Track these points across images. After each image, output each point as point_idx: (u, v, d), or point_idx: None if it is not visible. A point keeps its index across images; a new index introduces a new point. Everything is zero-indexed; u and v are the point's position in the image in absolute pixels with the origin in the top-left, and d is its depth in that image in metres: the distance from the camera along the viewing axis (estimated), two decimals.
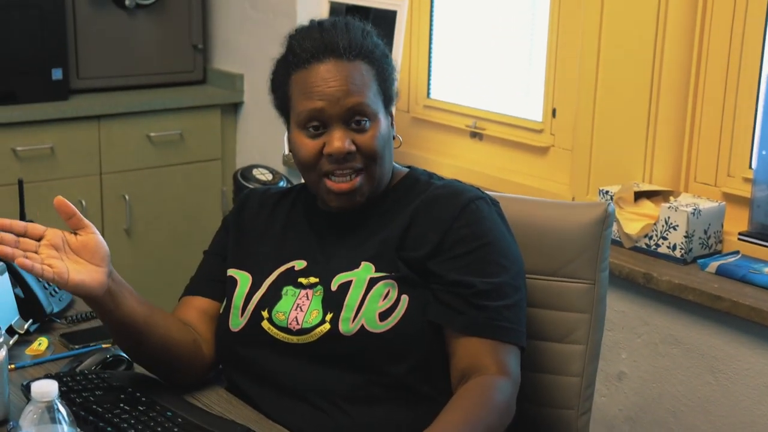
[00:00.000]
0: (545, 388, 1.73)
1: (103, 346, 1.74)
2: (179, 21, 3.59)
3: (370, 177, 1.56)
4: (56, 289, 1.90)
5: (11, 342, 1.72)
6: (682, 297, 2.19)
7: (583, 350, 1.71)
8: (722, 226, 2.32)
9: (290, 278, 1.59)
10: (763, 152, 2.23)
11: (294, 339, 1.53)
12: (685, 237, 2.26)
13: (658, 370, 2.34)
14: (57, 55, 3.26)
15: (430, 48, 3.18)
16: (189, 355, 1.58)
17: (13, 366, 1.65)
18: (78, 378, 1.54)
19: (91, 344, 1.76)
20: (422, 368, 1.52)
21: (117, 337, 1.56)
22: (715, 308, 2.14)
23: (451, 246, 1.53)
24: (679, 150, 2.44)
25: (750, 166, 2.32)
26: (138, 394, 1.49)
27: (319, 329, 1.52)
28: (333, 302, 1.53)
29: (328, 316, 1.52)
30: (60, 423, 1.19)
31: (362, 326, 1.50)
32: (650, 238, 2.33)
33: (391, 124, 1.62)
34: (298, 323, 1.53)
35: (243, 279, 1.62)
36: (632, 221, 2.36)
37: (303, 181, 1.65)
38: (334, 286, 1.54)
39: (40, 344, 1.75)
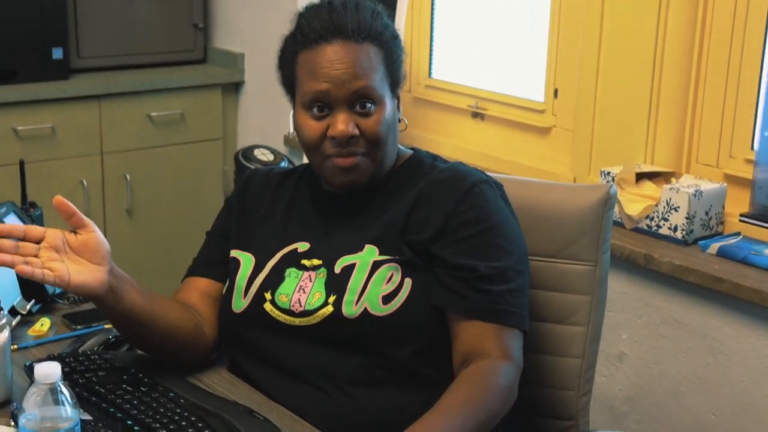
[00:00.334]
0: (546, 370, 1.73)
1: (106, 326, 1.74)
2: (180, 0, 3.58)
3: (372, 160, 1.56)
4: None
5: (14, 323, 1.72)
6: (683, 278, 2.20)
7: (584, 332, 1.71)
8: (723, 207, 2.32)
9: (293, 260, 1.59)
10: (766, 133, 2.23)
11: (296, 321, 1.53)
12: (687, 218, 2.26)
13: (659, 351, 2.34)
14: (57, 35, 3.25)
15: (431, 27, 3.17)
16: (191, 340, 1.58)
17: (15, 347, 1.65)
18: (81, 359, 1.54)
19: (94, 325, 1.76)
20: (425, 352, 1.52)
21: (120, 329, 1.56)
22: (715, 290, 2.14)
23: (454, 229, 1.52)
24: (681, 131, 2.44)
25: (752, 148, 2.32)
26: (140, 375, 1.50)
27: (321, 311, 1.52)
28: (336, 285, 1.53)
29: (331, 299, 1.52)
30: (63, 405, 1.19)
31: (365, 309, 1.50)
32: (651, 219, 2.33)
33: (397, 107, 1.61)
34: (300, 305, 1.54)
35: (246, 260, 1.62)
36: (634, 202, 2.36)
37: (306, 161, 1.65)
38: (337, 269, 1.54)
39: (42, 325, 1.75)
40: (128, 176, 3.38)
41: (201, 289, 1.66)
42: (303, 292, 1.54)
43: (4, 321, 1.46)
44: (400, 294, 1.51)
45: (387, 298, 1.50)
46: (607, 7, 2.53)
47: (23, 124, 3.16)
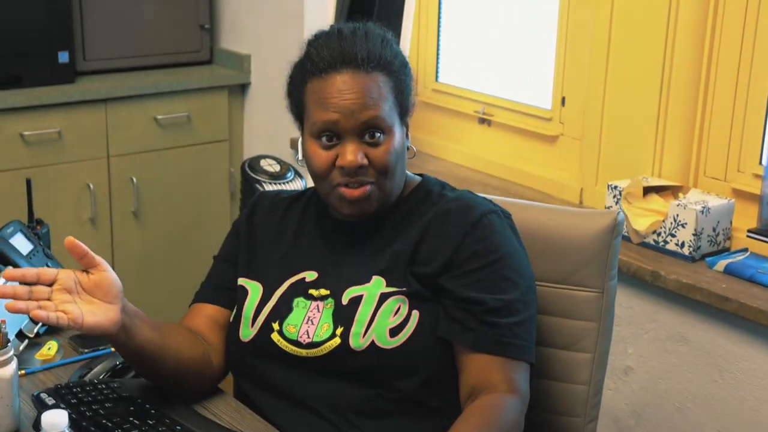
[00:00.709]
0: (552, 396, 1.73)
1: (112, 349, 1.75)
2: (186, 0, 3.56)
3: (380, 190, 1.56)
4: None
5: (21, 347, 1.73)
6: (690, 296, 2.19)
7: (590, 358, 1.71)
8: (731, 223, 2.32)
9: (301, 289, 1.59)
10: None
11: (303, 352, 1.53)
12: (694, 235, 2.25)
13: (665, 367, 2.34)
14: (63, 38, 3.24)
15: (438, 31, 3.16)
16: (199, 370, 1.59)
17: (23, 371, 1.65)
18: (88, 388, 1.54)
19: (101, 348, 1.77)
20: (433, 383, 1.52)
21: (131, 363, 1.57)
22: (722, 309, 2.14)
23: (462, 262, 1.52)
24: (689, 143, 2.43)
25: (760, 162, 2.31)
26: (147, 406, 1.50)
27: (329, 343, 1.52)
28: (343, 316, 1.53)
29: (339, 330, 1.52)
30: None
31: (372, 342, 1.50)
32: (659, 234, 2.32)
33: (406, 134, 1.60)
34: (308, 336, 1.54)
35: (254, 289, 1.62)
36: (641, 217, 2.35)
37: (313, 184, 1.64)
38: (345, 300, 1.54)
39: (49, 348, 1.75)
40: (135, 179, 3.38)
41: (209, 315, 1.66)
42: (311, 323, 1.54)
43: (10, 354, 1.46)
44: (407, 327, 1.51)
45: (394, 331, 1.50)
46: (616, 15, 2.51)
47: (30, 128, 3.15)
